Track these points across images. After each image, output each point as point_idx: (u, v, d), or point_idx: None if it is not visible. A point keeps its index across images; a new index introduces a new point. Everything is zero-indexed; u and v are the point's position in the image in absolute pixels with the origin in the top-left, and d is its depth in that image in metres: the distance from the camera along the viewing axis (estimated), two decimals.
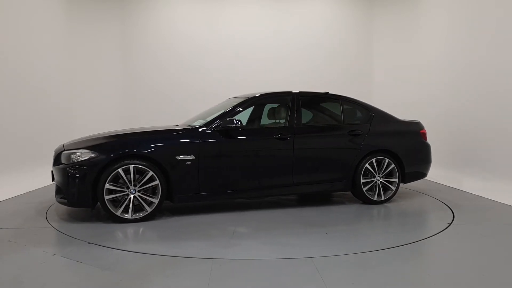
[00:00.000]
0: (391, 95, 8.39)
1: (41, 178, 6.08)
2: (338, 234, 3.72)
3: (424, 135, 5.19)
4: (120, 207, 3.90)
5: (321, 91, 5.19)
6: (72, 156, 3.95)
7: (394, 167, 4.83)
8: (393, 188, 4.86)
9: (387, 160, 4.81)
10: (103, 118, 8.25)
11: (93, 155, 3.88)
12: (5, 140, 5.64)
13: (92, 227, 3.87)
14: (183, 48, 8.63)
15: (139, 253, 3.10)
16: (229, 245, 3.32)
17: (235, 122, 4.21)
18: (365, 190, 4.76)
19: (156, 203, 3.99)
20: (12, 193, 5.25)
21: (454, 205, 4.87)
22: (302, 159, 4.56)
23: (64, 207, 4.56)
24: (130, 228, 3.81)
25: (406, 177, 4.98)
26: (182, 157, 4.05)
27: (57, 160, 4.13)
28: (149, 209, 3.98)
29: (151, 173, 3.93)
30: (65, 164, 3.96)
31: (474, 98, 6.12)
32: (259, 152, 4.46)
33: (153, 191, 4.02)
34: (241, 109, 4.55)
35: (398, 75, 8.46)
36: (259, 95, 4.79)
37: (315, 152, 4.67)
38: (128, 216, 3.93)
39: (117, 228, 3.84)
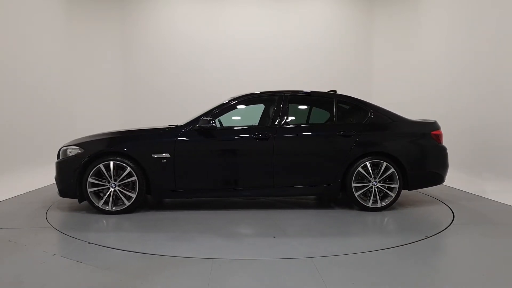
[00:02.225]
0: (391, 95, 8.39)
1: (41, 178, 6.09)
2: (338, 234, 3.72)
3: (437, 136, 4.67)
4: (102, 199, 4.28)
5: (322, 91, 5.16)
6: (66, 152, 4.43)
7: (394, 171, 4.44)
8: (393, 195, 4.47)
9: (384, 163, 4.43)
10: (103, 118, 8.26)
11: (79, 151, 4.33)
12: (5, 140, 5.64)
13: (92, 227, 3.88)
14: (183, 48, 8.64)
15: (139, 253, 3.10)
16: (182, 240, 3.33)
17: (210, 122, 4.31)
18: (360, 195, 4.46)
19: (134, 197, 4.28)
20: (12, 193, 5.25)
21: (454, 205, 4.87)
22: (283, 160, 4.41)
23: (64, 207, 4.65)
24: (124, 226, 3.83)
25: (410, 183, 4.56)
26: (158, 155, 4.29)
27: (58, 155, 4.55)
28: (127, 203, 4.28)
29: (129, 169, 4.24)
30: (60, 159, 4.45)
31: (474, 98, 6.12)
32: (237, 152, 4.44)
33: (134, 186, 4.31)
34: (224, 109, 4.57)
35: (398, 75, 8.47)
36: (245, 94, 4.77)
37: (298, 153, 4.47)
38: (108, 208, 4.28)
39: (117, 227, 3.86)
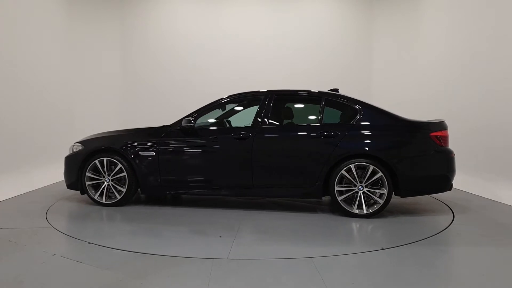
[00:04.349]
0: (392, 95, 8.38)
1: (41, 178, 6.09)
2: (337, 234, 3.73)
3: (438, 138, 4.23)
4: (98, 192, 4.66)
5: (322, 90, 5.12)
6: (72, 148, 4.88)
7: (382, 176, 4.10)
8: (381, 201, 4.13)
9: (371, 167, 4.11)
10: (103, 118, 8.25)
11: (81, 148, 4.76)
12: (5, 140, 5.64)
13: (92, 227, 3.89)
14: (183, 48, 8.64)
15: (139, 253, 3.10)
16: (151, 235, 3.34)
17: (190, 122, 4.49)
18: (344, 200, 4.21)
19: (124, 192, 4.59)
20: (12, 193, 5.25)
21: (454, 205, 4.87)
22: (262, 160, 4.35)
23: (64, 207, 4.68)
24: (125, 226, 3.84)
25: (402, 189, 4.18)
26: (145, 153, 4.59)
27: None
28: (118, 197, 4.61)
29: (120, 165, 4.58)
30: (68, 154, 4.89)
31: (474, 98, 6.12)
32: (216, 151, 4.48)
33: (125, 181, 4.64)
34: (213, 109, 4.74)
35: (399, 74, 8.46)
36: (232, 95, 4.80)
37: (277, 154, 4.36)
38: (103, 200, 4.65)
39: (117, 227, 3.87)
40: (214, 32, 8.64)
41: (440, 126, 4.36)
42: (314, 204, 4.92)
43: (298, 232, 3.77)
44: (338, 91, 4.94)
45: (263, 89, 4.90)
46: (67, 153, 5.05)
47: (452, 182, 4.33)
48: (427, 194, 4.64)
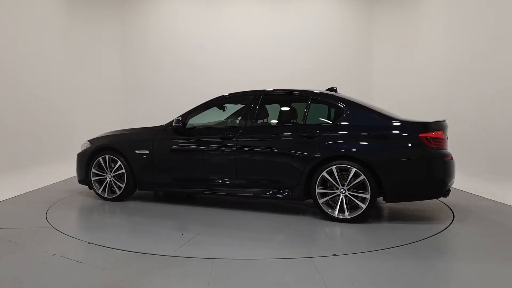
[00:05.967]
0: (392, 95, 8.38)
1: (41, 178, 6.09)
2: (337, 234, 3.73)
3: (428, 140, 3.84)
4: (101, 187, 4.95)
5: (322, 90, 5.10)
6: (83, 145, 5.20)
7: (365, 179, 3.82)
8: (363, 206, 3.86)
9: (353, 169, 3.85)
10: (103, 118, 8.26)
11: (89, 145, 5.09)
12: (5, 140, 5.64)
13: (92, 227, 3.89)
14: (183, 48, 8.64)
15: (139, 253, 3.10)
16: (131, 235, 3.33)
17: (179, 122, 4.63)
18: (326, 203, 4.04)
19: (123, 187, 4.83)
20: (12, 193, 5.25)
21: (454, 205, 4.87)
22: (245, 160, 4.35)
23: (64, 207, 4.68)
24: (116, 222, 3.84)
25: (387, 194, 3.89)
26: (139, 151, 4.78)
27: None
28: (118, 192, 4.87)
29: (119, 163, 4.82)
30: (79, 152, 5.23)
31: (474, 98, 6.12)
32: (204, 151, 4.58)
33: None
34: (203, 109, 4.81)
35: (399, 74, 8.46)
36: (225, 94, 4.87)
37: (259, 154, 4.31)
38: (105, 195, 4.92)
39: (116, 226, 3.87)
40: (214, 32, 8.63)
41: (433, 126, 3.97)
42: (304, 206, 4.90)
43: (267, 232, 3.77)
44: (336, 91, 4.91)
45: (263, 88, 4.87)
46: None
47: (449, 188, 4.00)
48: (416, 200, 4.44)
